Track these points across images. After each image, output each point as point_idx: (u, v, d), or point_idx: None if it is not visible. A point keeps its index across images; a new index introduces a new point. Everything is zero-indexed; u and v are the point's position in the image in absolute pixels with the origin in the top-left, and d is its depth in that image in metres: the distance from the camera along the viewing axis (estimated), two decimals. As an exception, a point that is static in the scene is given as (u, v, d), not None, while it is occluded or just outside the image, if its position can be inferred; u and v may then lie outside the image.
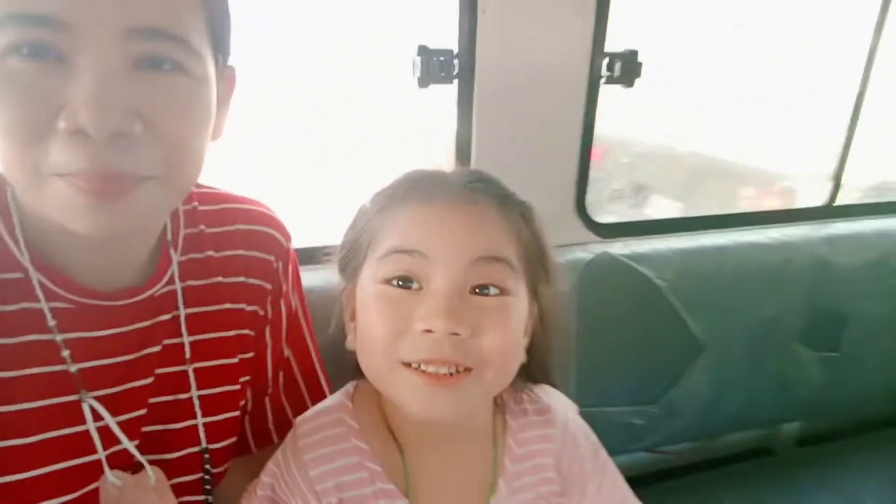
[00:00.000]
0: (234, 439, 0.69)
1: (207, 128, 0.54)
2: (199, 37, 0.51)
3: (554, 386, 0.70)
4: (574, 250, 1.10)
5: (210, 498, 0.67)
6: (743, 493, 1.24)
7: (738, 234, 1.21)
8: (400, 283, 0.56)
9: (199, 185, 0.69)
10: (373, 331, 0.56)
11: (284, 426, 0.74)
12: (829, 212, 1.36)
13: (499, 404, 0.67)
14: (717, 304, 1.17)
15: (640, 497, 1.18)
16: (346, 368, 0.65)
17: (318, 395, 0.77)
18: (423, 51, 0.94)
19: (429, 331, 0.53)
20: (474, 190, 0.59)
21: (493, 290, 0.56)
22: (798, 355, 1.26)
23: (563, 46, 0.99)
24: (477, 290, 0.56)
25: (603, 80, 1.04)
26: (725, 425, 1.30)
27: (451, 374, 0.54)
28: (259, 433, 0.75)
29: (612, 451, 1.21)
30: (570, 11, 0.98)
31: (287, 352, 0.75)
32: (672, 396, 1.18)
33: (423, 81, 0.95)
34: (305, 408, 0.75)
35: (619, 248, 1.12)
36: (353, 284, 0.62)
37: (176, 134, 0.50)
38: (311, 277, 0.79)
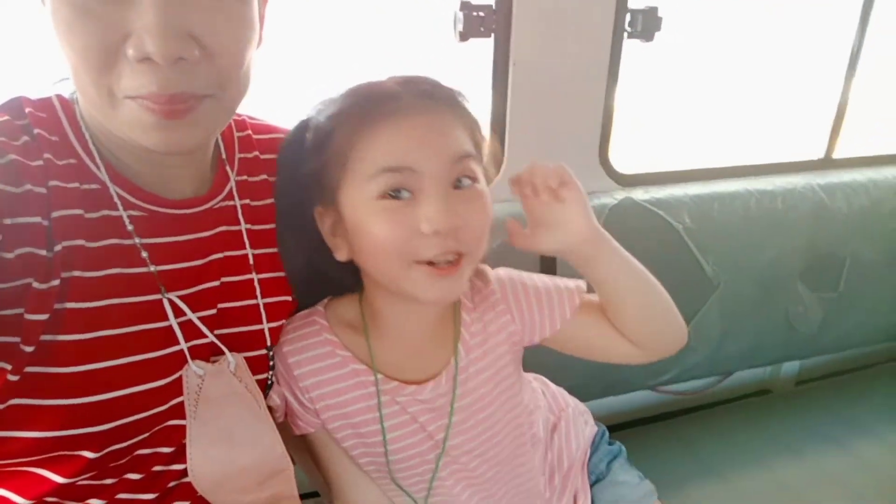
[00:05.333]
0: None
1: (254, 43, 0.58)
2: None
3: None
4: (599, 196, 1.18)
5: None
6: (748, 428, 1.35)
7: (747, 182, 1.30)
8: (392, 194, 0.62)
9: (252, 118, 0.75)
10: (381, 241, 0.63)
11: None
12: (827, 164, 1.46)
13: None
14: (727, 246, 1.26)
15: (657, 432, 1.27)
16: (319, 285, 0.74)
17: None
18: (464, 6, 1.01)
19: (436, 232, 0.61)
20: (429, 98, 0.65)
21: (465, 182, 0.64)
22: (800, 295, 1.37)
23: (591, 2, 1.07)
24: (456, 186, 0.63)
25: (626, 34, 1.12)
26: (734, 362, 1.40)
27: (452, 261, 0.63)
28: None
29: (632, 387, 1.32)
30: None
31: None
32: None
33: (464, 35, 1.02)
34: None
35: (640, 194, 1.20)
36: (329, 205, 0.67)
37: (228, 53, 0.55)
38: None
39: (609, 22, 1.09)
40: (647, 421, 1.42)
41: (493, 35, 1.04)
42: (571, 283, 0.78)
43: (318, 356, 0.72)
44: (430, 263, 0.63)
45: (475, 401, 0.75)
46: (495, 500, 0.81)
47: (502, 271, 0.79)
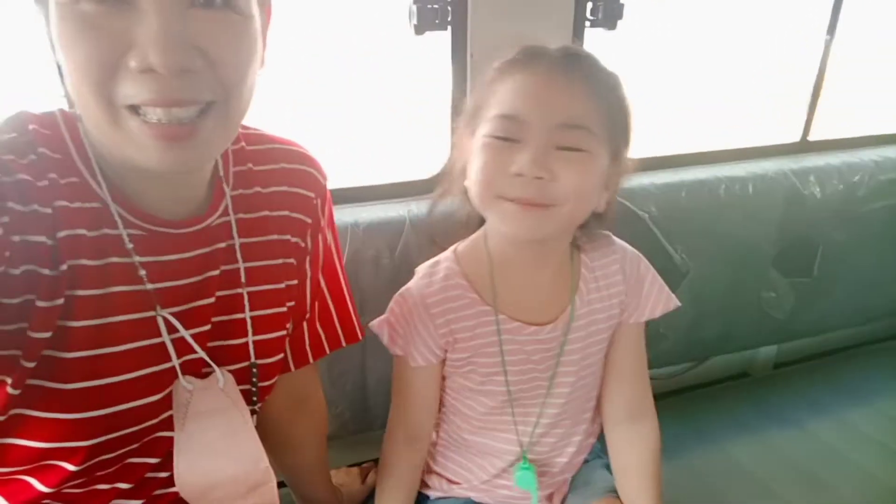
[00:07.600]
0: (280, 356, 0.76)
1: (256, 58, 0.58)
2: None
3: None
4: (564, 187, 1.18)
5: (257, 407, 0.74)
6: (723, 410, 1.36)
7: (716, 169, 1.30)
8: (501, 137, 0.71)
9: (244, 127, 0.74)
10: (480, 171, 0.72)
11: (317, 348, 0.83)
12: (801, 147, 1.44)
13: (574, 242, 0.85)
14: (696, 233, 1.26)
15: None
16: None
17: (347, 322, 0.85)
18: (418, -1, 1.00)
19: (519, 174, 0.69)
20: (568, 62, 0.72)
21: (571, 148, 0.70)
22: (773, 281, 1.37)
23: (549, -9, 1.05)
24: (561, 147, 0.70)
25: (588, 23, 1.10)
26: (707, 348, 1.41)
27: (538, 203, 0.71)
28: (297, 354, 0.82)
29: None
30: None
31: (322, 281, 0.81)
32: (657, 320, 1.27)
33: (420, 28, 1.01)
34: (336, 332, 0.84)
35: (606, 183, 1.20)
36: (470, 138, 0.77)
37: (231, 64, 0.55)
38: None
39: (569, 10, 1.08)
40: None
41: (449, 28, 1.03)
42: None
43: (449, 297, 0.81)
44: (513, 200, 0.70)
45: (581, 348, 0.84)
46: (562, 436, 0.90)
47: (627, 246, 0.89)
